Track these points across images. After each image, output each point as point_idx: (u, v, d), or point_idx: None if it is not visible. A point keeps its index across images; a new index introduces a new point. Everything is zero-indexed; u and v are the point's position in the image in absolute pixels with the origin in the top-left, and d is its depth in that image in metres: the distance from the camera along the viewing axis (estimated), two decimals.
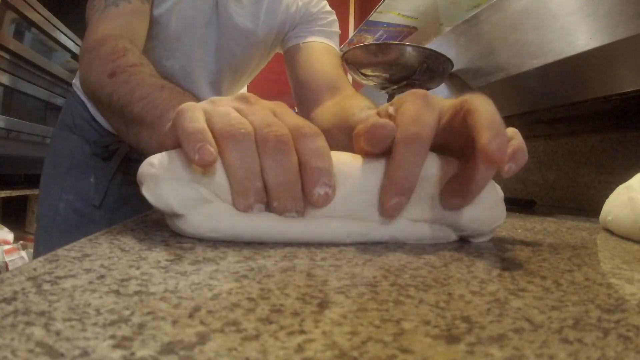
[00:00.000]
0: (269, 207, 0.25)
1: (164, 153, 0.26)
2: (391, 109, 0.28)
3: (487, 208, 0.28)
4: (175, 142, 0.25)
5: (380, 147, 0.26)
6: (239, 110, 0.26)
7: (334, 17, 0.76)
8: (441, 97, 0.28)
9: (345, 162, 0.27)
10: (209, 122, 0.25)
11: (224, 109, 0.26)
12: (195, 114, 0.25)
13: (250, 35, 0.70)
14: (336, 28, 0.75)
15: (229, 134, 0.24)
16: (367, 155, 0.28)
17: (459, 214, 0.28)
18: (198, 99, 0.33)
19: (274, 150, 0.24)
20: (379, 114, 0.30)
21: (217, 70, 0.71)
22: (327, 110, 0.62)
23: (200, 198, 0.24)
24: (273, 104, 0.28)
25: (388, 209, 0.26)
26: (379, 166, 0.27)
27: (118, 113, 0.42)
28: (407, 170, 0.25)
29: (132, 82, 0.41)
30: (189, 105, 0.26)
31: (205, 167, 0.24)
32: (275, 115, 0.27)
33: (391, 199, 0.25)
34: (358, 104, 0.53)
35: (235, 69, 0.73)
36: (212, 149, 0.23)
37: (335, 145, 0.63)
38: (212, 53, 0.69)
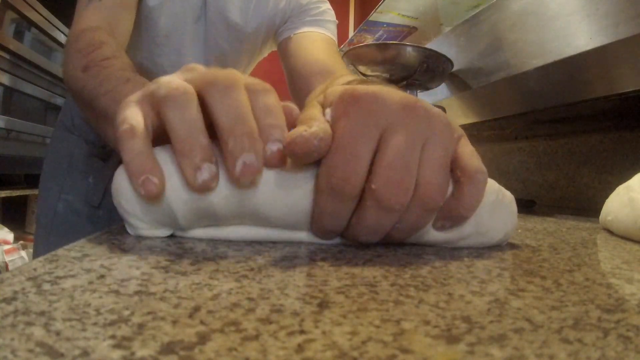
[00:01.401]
0: (223, 158, 0.22)
1: (118, 179, 0.25)
2: (329, 115, 0.23)
3: (496, 220, 0.27)
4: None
5: (307, 162, 0.23)
6: (186, 78, 0.24)
7: (327, 5, 0.73)
8: (394, 99, 0.23)
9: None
10: (151, 99, 0.23)
11: (165, 79, 0.24)
12: (132, 112, 0.23)
13: (239, 30, 0.69)
14: (330, 17, 0.73)
15: (167, 97, 0.22)
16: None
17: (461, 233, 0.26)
18: None
19: (222, 89, 0.22)
20: (322, 105, 0.25)
21: (206, 66, 0.71)
22: (318, 94, 0.61)
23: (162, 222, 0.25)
24: (218, 69, 0.25)
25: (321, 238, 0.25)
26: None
27: (89, 107, 0.41)
28: (331, 219, 0.23)
29: (100, 76, 0.40)
30: (127, 103, 0.23)
31: (153, 201, 0.23)
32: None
33: (317, 236, 0.25)
34: (339, 81, 0.51)
35: (224, 64, 0.73)
36: (155, 179, 0.22)
37: None
38: (202, 48, 0.69)
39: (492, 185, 0.28)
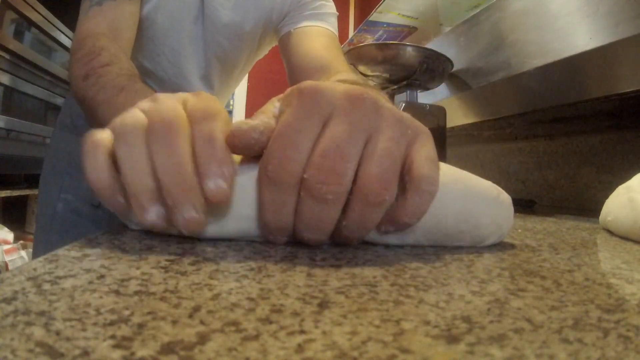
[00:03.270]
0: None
1: None
2: (276, 109, 0.23)
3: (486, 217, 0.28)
4: None
5: (249, 155, 0.23)
6: (143, 109, 0.23)
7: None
8: (342, 89, 0.22)
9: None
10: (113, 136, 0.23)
11: (127, 113, 0.23)
12: (96, 152, 0.22)
13: (237, 27, 0.69)
14: (330, 9, 0.72)
15: (118, 136, 0.22)
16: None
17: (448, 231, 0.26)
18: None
19: (161, 138, 0.21)
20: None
21: (206, 64, 0.71)
22: None
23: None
24: (190, 94, 0.25)
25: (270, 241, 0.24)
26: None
27: (90, 116, 0.42)
28: (272, 212, 0.22)
29: (98, 85, 0.40)
30: (91, 141, 0.22)
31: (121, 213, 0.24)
32: (183, 103, 0.23)
33: (266, 236, 0.24)
34: (338, 78, 0.51)
35: (224, 62, 0.73)
36: (120, 199, 0.23)
37: None
38: (201, 47, 0.69)
39: (489, 187, 0.28)
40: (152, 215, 0.22)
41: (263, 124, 0.22)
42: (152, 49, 0.66)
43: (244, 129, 0.22)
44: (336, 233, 0.23)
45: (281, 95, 0.24)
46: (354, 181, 0.21)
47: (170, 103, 0.23)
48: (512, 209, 0.29)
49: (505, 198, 0.29)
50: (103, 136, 0.23)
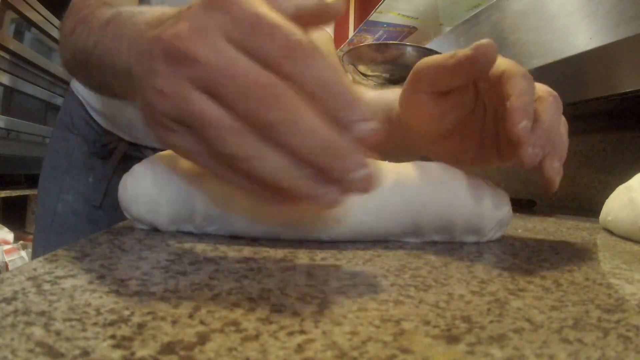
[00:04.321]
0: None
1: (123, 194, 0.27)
2: (460, 52, 0.28)
3: (484, 208, 0.28)
4: None
5: (484, 70, 0.27)
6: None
7: None
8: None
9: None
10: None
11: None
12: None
13: None
14: None
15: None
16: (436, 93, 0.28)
17: (452, 218, 0.28)
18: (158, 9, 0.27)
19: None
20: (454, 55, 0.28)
21: None
22: None
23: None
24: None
25: (520, 130, 0.24)
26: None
27: (87, 72, 0.36)
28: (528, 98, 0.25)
29: (85, 31, 0.35)
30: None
31: None
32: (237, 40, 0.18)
33: (521, 122, 0.24)
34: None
35: None
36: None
37: None
38: None
39: (483, 180, 0.29)
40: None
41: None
42: None
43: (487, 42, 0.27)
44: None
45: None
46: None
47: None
48: (509, 201, 0.30)
49: (502, 193, 0.30)
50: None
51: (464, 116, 0.31)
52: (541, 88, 0.29)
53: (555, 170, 0.27)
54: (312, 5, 0.22)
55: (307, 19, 0.22)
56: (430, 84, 0.29)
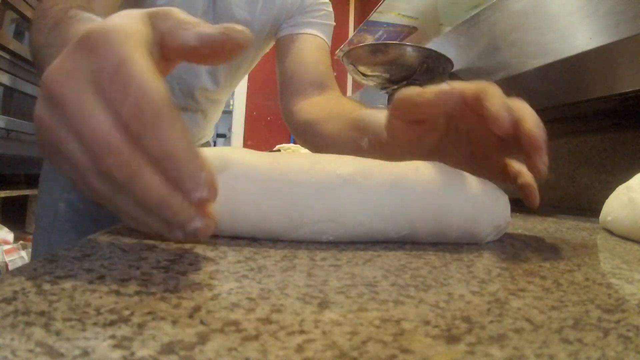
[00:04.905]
0: None
1: None
2: (445, 85, 0.30)
3: (483, 208, 0.28)
4: None
5: (409, 116, 0.30)
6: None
7: (329, 9, 0.74)
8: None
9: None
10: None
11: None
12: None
13: (247, 26, 0.69)
14: (331, 20, 0.74)
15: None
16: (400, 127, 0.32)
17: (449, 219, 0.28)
18: (97, 19, 0.28)
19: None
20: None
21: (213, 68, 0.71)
22: (316, 104, 0.63)
23: None
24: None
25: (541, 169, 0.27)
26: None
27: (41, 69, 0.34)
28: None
29: (41, 30, 0.34)
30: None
31: None
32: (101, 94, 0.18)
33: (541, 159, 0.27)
34: (352, 103, 0.56)
35: (231, 63, 0.73)
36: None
37: (325, 139, 0.63)
38: None
39: (483, 181, 0.29)
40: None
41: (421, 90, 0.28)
42: None
43: (411, 90, 0.29)
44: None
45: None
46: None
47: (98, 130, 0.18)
48: (508, 205, 0.30)
49: (501, 195, 0.30)
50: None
51: (438, 139, 0.35)
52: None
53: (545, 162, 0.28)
54: (213, 35, 0.21)
55: (209, 51, 0.21)
56: (406, 114, 0.33)
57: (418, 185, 0.27)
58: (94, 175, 0.18)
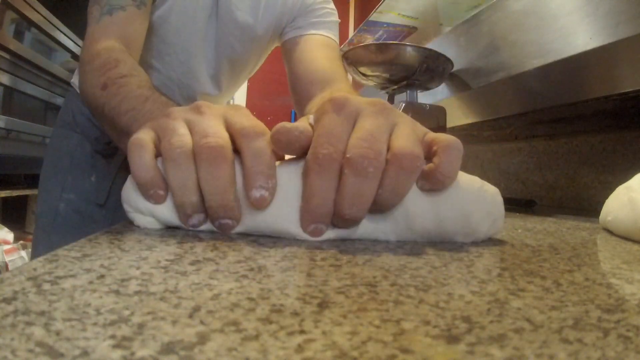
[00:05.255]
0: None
1: (127, 185, 0.29)
2: (311, 119, 0.28)
3: (476, 219, 0.28)
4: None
5: (290, 152, 0.27)
6: (188, 122, 0.27)
7: (331, 5, 0.74)
8: (365, 100, 0.27)
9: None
10: (157, 145, 0.27)
11: (172, 125, 0.27)
12: (142, 152, 0.26)
13: (250, 29, 0.69)
14: (335, 17, 0.74)
15: (169, 156, 0.26)
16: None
17: (442, 228, 0.28)
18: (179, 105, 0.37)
19: (207, 162, 0.25)
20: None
21: (216, 64, 0.71)
22: (315, 105, 0.62)
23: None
24: (227, 107, 0.29)
25: (309, 234, 0.26)
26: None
27: (110, 123, 0.44)
28: (320, 197, 0.25)
29: (120, 95, 0.43)
30: (137, 140, 0.27)
31: (159, 203, 0.28)
32: (226, 120, 0.28)
33: (308, 226, 0.26)
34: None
35: (234, 63, 0.73)
36: (161, 192, 0.27)
37: None
38: (212, 47, 0.69)
39: (474, 178, 0.29)
40: (194, 221, 0.27)
41: (302, 126, 0.26)
42: (163, 48, 0.66)
43: (288, 127, 0.26)
44: (373, 205, 0.26)
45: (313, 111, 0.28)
46: (387, 158, 0.25)
47: (214, 123, 0.27)
48: (500, 200, 0.30)
49: (491, 188, 0.30)
50: (146, 137, 0.27)
51: None
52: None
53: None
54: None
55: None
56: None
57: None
58: (184, 141, 0.26)
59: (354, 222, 0.26)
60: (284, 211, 0.27)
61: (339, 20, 0.75)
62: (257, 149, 0.26)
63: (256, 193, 0.25)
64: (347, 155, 0.24)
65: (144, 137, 0.27)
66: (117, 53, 0.49)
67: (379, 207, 0.26)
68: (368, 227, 0.27)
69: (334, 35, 0.72)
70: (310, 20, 0.72)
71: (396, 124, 0.27)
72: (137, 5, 0.56)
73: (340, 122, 0.26)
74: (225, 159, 0.25)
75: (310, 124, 0.27)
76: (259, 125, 0.27)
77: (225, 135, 0.26)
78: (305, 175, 0.26)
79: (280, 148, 0.26)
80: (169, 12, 0.63)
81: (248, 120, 0.27)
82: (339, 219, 0.26)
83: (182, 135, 0.26)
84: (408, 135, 0.26)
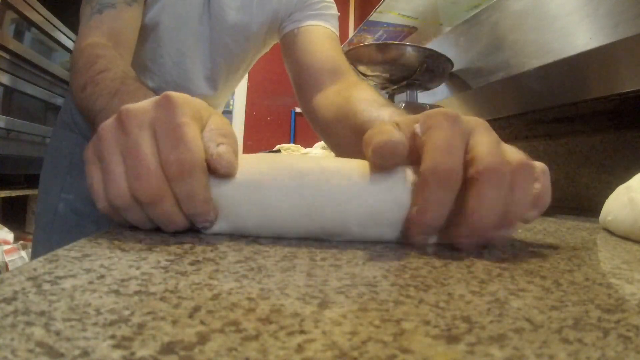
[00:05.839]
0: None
1: None
2: (418, 129, 0.27)
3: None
4: None
5: (389, 165, 0.27)
6: (121, 150, 0.25)
7: None
8: (466, 117, 0.28)
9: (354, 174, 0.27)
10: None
11: (106, 167, 0.25)
12: (95, 185, 0.26)
13: (244, 28, 0.68)
14: (333, 10, 0.72)
15: (113, 204, 0.25)
16: (377, 166, 0.27)
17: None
18: (152, 93, 0.36)
19: (145, 205, 0.25)
20: (398, 125, 0.27)
21: (212, 65, 0.71)
22: (328, 99, 0.60)
23: None
24: (156, 117, 0.25)
25: (415, 242, 0.27)
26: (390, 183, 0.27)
27: (92, 127, 0.42)
28: (435, 212, 0.25)
29: (95, 94, 0.41)
30: (88, 172, 0.26)
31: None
32: (157, 139, 0.25)
33: (417, 235, 0.26)
34: (364, 97, 0.52)
35: (230, 63, 0.72)
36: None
37: (339, 141, 0.61)
38: (207, 48, 0.69)
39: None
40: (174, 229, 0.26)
41: (401, 138, 0.26)
42: (157, 50, 0.66)
43: (393, 141, 0.26)
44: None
45: (418, 116, 0.28)
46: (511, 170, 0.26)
47: (142, 158, 0.24)
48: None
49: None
50: (94, 169, 0.26)
51: None
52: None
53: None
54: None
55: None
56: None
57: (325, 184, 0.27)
58: (120, 188, 0.24)
59: (488, 230, 0.26)
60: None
61: (338, 14, 0.73)
62: (185, 193, 0.25)
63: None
64: (480, 168, 0.25)
65: (92, 168, 0.26)
66: (98, 49, 0.48)
67: (510, 216, 0.27)
68: (306, 227, 0.27)
69: (333, 27, 0.70)
70: (307, 13, 0.69)
71: (498, 141, 0.28)
72: (128, 2, 0.55)
73: (457, 136, 0.26)
74: (162, 199, 0.24)
75: (415, 133, 0.26)
76: (185, 152, 0.24)
77: (159, 173, 0.24)
78: (422, 187, 0.25)
79: (384, 162, 0.26)
80: (161, 12, 0.63)
81: (174, 143, 0.24)
82: (472, 230, 0.25)
83: (115, 182, 0.24)
84: (512, 149, 0.27)
